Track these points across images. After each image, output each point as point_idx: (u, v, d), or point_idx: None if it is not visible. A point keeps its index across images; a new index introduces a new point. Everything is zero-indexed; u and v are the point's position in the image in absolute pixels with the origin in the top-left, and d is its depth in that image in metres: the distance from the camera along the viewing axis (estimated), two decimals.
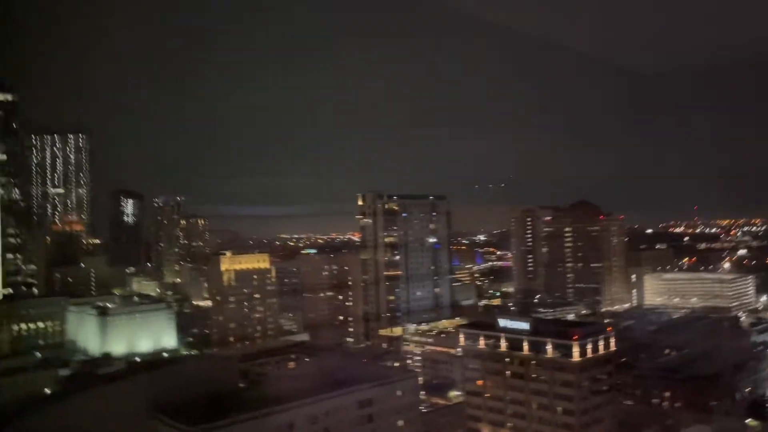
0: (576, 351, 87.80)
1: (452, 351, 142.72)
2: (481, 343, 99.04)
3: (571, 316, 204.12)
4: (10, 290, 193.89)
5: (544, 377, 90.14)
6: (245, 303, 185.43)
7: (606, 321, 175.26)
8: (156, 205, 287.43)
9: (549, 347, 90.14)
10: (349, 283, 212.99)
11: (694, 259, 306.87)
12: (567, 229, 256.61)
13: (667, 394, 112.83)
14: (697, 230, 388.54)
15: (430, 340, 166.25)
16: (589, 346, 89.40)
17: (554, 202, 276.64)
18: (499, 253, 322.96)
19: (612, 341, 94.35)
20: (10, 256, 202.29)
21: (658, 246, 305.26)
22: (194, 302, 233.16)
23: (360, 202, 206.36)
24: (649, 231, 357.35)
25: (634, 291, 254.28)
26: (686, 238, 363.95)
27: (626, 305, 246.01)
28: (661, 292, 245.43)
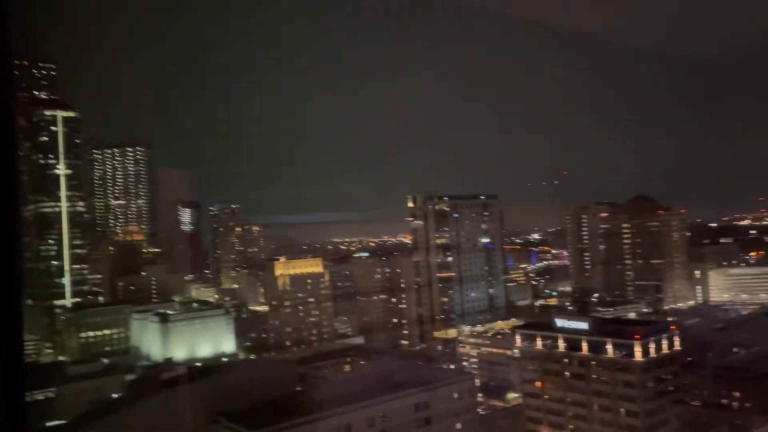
0: (638, 350, 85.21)
1: (509, 352, 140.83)
2: (539, 343, 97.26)
3: (631, 315, 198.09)
4: (78, 299, 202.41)
5: (606, 378, 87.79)
6: (300, 307, 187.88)
7: (669, 319, 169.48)
8: (212, 213, 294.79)
9: (609, 347, 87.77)
10: (402, 285, 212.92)
11: (761, 252, 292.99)
12: (625, 225, 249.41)
13: (737, 394, 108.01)
14: (764, 222, 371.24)
15: (485, 341, 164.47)
16: (652, 346, 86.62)
17: (611, 198, 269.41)
18: (554, 251, 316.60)
19: (676, 340, 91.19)
20: (76, 266, 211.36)
21: (722, 240, 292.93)
22: (251, 307, 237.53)
23: (410, 204, 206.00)
24: (713, 225, 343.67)
25: (699, 287, 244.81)
26: (753, 231, 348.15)
27: (690, 302, 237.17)
28: (727, 288, 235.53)
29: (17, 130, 3.69)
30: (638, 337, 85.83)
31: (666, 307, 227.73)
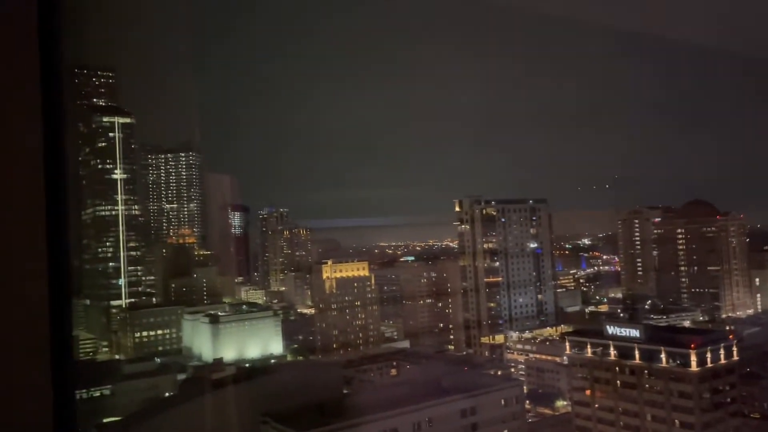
0: (694, 360, 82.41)
1: (558, 359, 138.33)
2: (589, 351, 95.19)
3: (686, 323, 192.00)
4: (133, 300, 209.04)
5: (659, 388, 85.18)
6: (347, 310, 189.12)
7: (727, 328, 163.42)
8: (261, 217, 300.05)
9: (663, 356, 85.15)
10: (448, 290, 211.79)
11: None
12: (679, 230, 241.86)
13: None
14: None
15: (533, 348, 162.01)
16: (709, 355, 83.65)
17: (665, 203, 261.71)
18: (605, 257, 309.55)
19: (734, 350, 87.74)
20: (132, 268, 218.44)
21: None
22: (298, 310, 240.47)
23: (457, 208, 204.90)
24: None
25: (758, 296, 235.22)
26: None
27: (750, 311, 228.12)
28: None
29: (66, 134, 3.94)
30: (694, 345, 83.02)
31: (723, 316, 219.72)
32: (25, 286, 3.58)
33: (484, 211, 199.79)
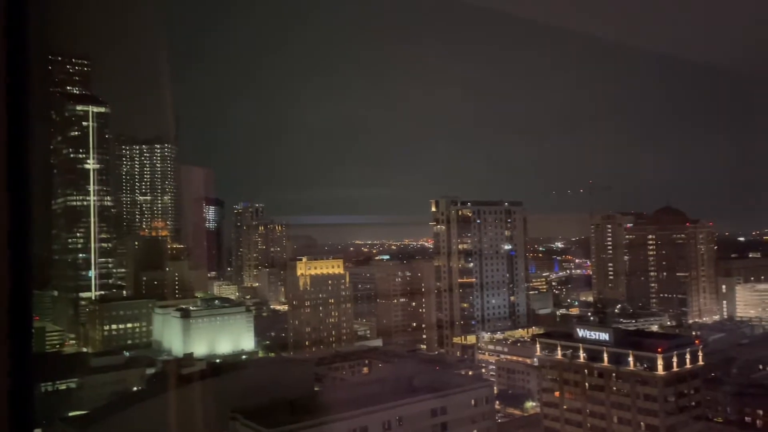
0: (660, 364, 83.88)
1: (528, 361, 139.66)
2: (559, 353, 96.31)
3: (654, 328, 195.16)
4: (103, 292, 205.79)
5: (626, 390, 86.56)
6: (320, 307, 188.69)
7: (693, 333, 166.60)
8: (236, 211, 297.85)
9: (631, 359, 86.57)
10: (422, 289, 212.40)
11: None
12: (650, 236, 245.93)
13: (760, 412, 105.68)
14: None
15: (505, 349, 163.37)
16: (675, 359, 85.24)
17: (636, 209, 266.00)
18: (577, 261, 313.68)
19: (700, 355, 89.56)
20: (102, 260, 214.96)
21: (751, 255, 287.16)
22: (271, 306, 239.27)
23: (433, 209, 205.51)
24: (741, 239, 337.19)
25: (725, 302, 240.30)
26: None
27: (716, 317, 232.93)
28: (754, 303, 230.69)
29: (30, 122, 3.86)
30: (661, 350, 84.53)
31: (690, 321, 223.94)
32: None
33: (459, 212, 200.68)
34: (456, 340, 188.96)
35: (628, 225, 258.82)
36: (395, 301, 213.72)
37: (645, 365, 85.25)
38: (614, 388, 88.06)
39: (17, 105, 3.71)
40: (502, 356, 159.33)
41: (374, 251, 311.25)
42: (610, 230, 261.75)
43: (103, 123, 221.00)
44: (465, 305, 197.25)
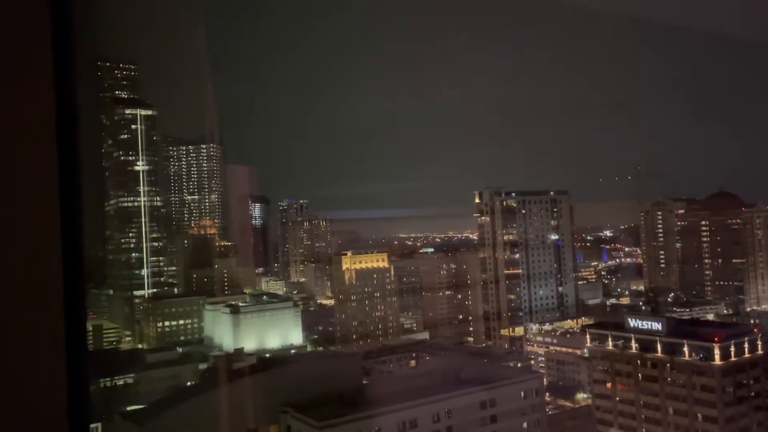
0: (717, 353, 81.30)
1: (578, 352, 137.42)
2: (610, 343, 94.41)
3: (710, 316, 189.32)
4: (155, 290, 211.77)
5: (682, 381, 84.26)
6: (366, 301, 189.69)
7: (752, 321, 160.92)
8: (281, 208, 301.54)
9: (686, 349, 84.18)
10: (468, 281, 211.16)
11: None
12: (704, 222, 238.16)
13: None
14: None
15: (554, 340, 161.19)
16: (733, 349, 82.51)
17: (689, 195, 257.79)
18: (627, 249, 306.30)
19: (759, 343, 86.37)
20: (154, 258, 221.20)
21: None
22: (318, 300, 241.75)
23: (477, 200, 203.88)
24: None
25: None
26: None
27: None
28: None
29: (80, 124, 4.02)
30: (717, 339, 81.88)
31: (748, 309, 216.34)
32: (40, 276, 3.62)
33: (504, 203, 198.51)
34: (503, 332, 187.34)
35: (680, 211, 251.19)
36: (441, 293, 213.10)
37: (701, 355, 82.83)
38: (669, 379, 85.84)
39: (67, 106, 3.83)
40: (551, 347, 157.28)
41: (418, 244, 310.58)
42: (660, 217, 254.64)
43: (150, 125, 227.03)
44: (512, 297, 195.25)
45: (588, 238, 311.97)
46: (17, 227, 3.58)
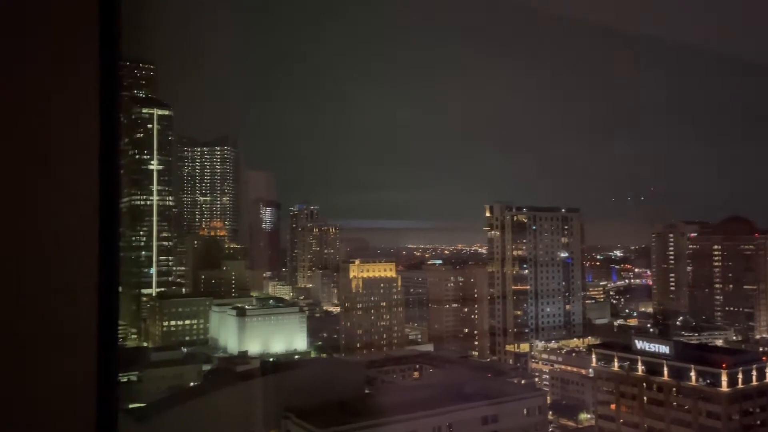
0: (725, 380, 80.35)
1: (583, 371, 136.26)
2: (616, 364, 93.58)
3: (719, 342, 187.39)
4: (163, 289, 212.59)
5: (687, 406, 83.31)
6: (372, 310, 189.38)
7: (760, 349, 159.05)
8: (292, 213, 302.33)
9: (693, 374, 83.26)
10: (475, 295, 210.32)
11: None
12: (716, 246, 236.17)
13: None
14: None
15: (559, 358, 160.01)
16: (741, 376, 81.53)
17: (701, 218, 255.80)
18: (637, 270, 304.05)
19: (767, 372, 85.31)
20: (163, 258, 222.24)
21: None
22: (324, 307, 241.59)
23: (487, 214, 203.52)
24: None
25: None
26: None
27: None
28: None
29: (120, 127, 4.12)
30: (725, 365, 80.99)
31: (757, 336, 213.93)
32: (76, 277, 3.68)
33: (514, 218, 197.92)
34: (509, 347, 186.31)
35: (692, 234, 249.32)
36: (447, 306, 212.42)
37: (708, 381, 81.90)
38: (674, 404, 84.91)
39: (109, 111, 3.95)
40: (556, 366, 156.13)
41: (427, 255, 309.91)
42: (672, 239, 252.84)
43: (166, 125, 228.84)
44: (518, 312, 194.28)
45: (598, 257, 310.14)
46: (57, 228, 3.62)
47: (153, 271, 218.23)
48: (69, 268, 3.66)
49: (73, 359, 3.64)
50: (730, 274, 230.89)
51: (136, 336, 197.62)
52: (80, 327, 3.67)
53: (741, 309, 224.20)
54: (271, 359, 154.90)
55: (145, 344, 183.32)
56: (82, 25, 3.80)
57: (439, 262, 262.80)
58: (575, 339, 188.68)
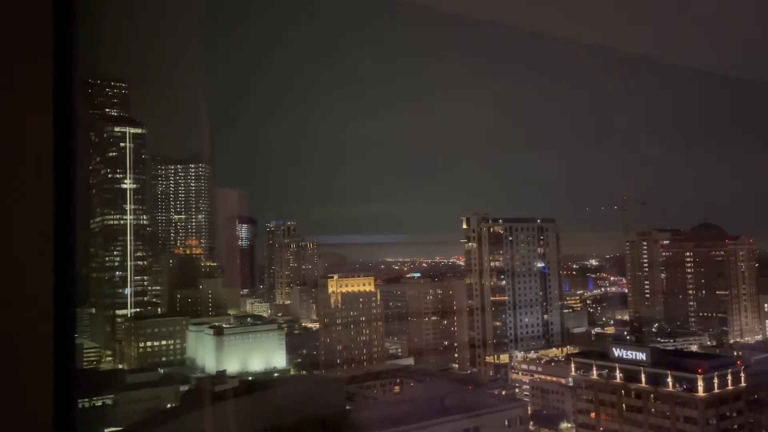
0: (701, 385, 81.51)
1: (563, 381, 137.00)
2: (594, 373, 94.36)
3: (694, 347, 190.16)
4: (138, 309, 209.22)
5: (665, 412, 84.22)
6: (351, 326, 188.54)
7: (735, 353, 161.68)
8: (268, 229, 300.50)
9: (670, 380, 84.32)
10: (454, 307, 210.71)
11: None
12: (688, 253, 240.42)
13: None
14: None
15: (539, 368, 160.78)
16: (716, 380, 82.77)
17: (673, 225, 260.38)
18: (612, 278, 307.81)
19: (742, 375, 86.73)
20: (138, 277, 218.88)
21: None
22: (303, 324, 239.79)
23: (464, 226, 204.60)
24: None
25: (767, 321, 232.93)
26: None
27: (758, 337, 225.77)
28: None
29: (76, 142, 4.08)
30: (701, 370, 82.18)
31: (731, 341, 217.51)
32: (30, 292, 3.60)
33: (491, 229, 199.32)
34: (489, 359, 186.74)
35: (665, 242, 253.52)
36: (427, 319, 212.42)
37: (685, 386, 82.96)
38: (652, 410, 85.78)
39: (64, 124, 3.86)
40: (536, 376, 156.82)
41: (405, 268, 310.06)
42: (645, 247, 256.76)
43: (140, 143, 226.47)
44: (497, 324, 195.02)
45: (574, 266, 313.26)
46: (9, 242, 3.56)
47: (128, 291, 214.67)
48: (22, 284, 3.59)
49: (28, 378, 3.55)
50: (703, 280, 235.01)
51: (111, 358, 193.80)
52: (35, 345, 3.58)
53: (714, 314, 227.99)
54: (250, 378, 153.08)
55: (120, 366, 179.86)
56: (37, 18, 3.72)
57: (418, 275, 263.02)
58: (554, 348, 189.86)
